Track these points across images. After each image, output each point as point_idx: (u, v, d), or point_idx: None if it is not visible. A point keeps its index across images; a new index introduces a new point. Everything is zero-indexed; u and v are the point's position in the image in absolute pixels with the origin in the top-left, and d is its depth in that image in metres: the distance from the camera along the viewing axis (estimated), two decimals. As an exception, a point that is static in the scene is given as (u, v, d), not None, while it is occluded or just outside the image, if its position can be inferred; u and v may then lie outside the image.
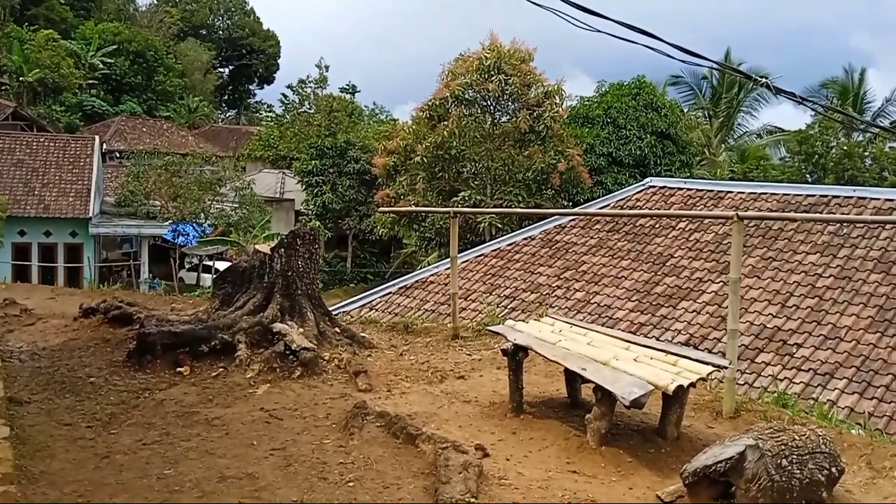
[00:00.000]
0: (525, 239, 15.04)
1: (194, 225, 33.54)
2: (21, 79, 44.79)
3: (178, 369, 6.00)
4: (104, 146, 37.68)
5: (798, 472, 3.83)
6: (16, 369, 5.97)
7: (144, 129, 47.30)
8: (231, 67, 73.94)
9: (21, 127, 39.54)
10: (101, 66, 50.74)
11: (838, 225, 12.16)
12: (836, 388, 9.37)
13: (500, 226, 23.33)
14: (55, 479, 4.05)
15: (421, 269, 18.68)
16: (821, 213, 12.69)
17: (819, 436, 4.06)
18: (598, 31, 6.06)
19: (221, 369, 6.04)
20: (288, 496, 3.98)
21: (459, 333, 7.77)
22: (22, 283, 17.72)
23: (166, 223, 32.06)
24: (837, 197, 13.13)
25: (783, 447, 3.85)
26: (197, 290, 28.40)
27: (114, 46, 51.55)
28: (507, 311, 12.48)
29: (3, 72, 47.28)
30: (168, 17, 65.11)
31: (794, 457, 3.85)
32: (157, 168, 32.78)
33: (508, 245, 15.02)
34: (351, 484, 4.15)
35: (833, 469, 4.00)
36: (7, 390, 5.16)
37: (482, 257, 14.83)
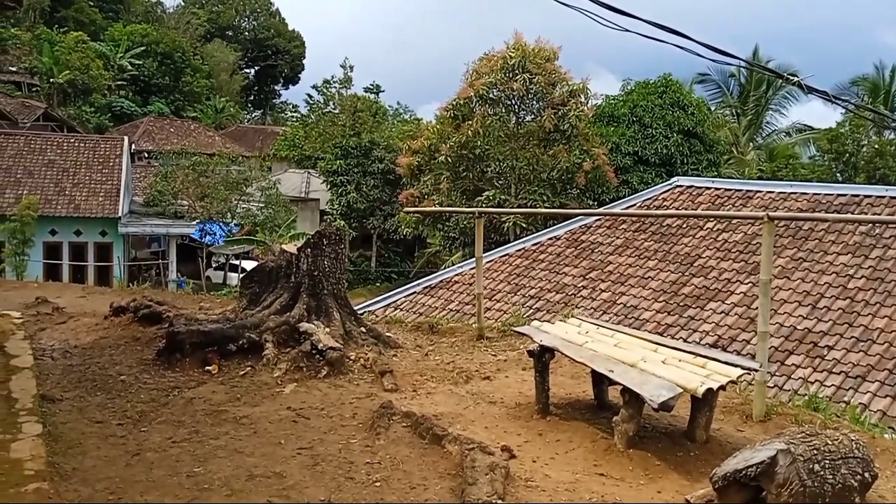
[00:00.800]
0: (550, 239, 14.98)
1: (221, 224, 33.89)
2: (51, 80, 45.57)
3: (207, 368, 6.06)
4: (133, 146, 38.19)
5: (830, 476, 3.77)
6: (48, 367, 6.06)
7: (172, 130, 47.88)
8: (257, 68, 74.59)
9: (52, 128, 40.26)
10: (129, 67, 51.48)
11: (870, 225, 11.96)
12: (868, 391, 9.22)
13: (524, 225, 23.26)
14: (87, 476, 4.11)
15: (445, 268, 18.69)
16: (852, 212, 12.49)
17: (852, 440, 3.98)
18: (627, 30, 6.01)
19: (249, 368, 6.09)
20: (315, 495, 4.00)
21: (484, 334, 7.76)
22: (53, 281, 18.00)
23: (194, 223, 32.42)
24: (869, 196, 12.90)
25: (815, 451, 3.79)
26: (224, 288, 28.70)
27: (142, 48, 52.28)
28: (531, 311, 12.45)
29: (33, 73, 48.15)
30: (195, 19, 65.88)
31: (827, 461, 3.78)
32: (185, 168, 33.18)
33: (533, 245, 14.97)
34: (378, 484, 4.16)
35: (866, 474, 3.92)
36: (40, 388, 5.25)
37: (507, 257, 14.80)
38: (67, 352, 6.59)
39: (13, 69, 49.92)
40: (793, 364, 9.99)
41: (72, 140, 32.70)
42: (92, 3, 58.53)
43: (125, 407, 5.26)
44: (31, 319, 7.74)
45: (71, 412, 5.11)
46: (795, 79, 8.66)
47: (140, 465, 4.33)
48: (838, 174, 30.64)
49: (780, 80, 29.38)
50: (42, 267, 26.45)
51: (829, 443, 3.87)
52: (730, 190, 14.69)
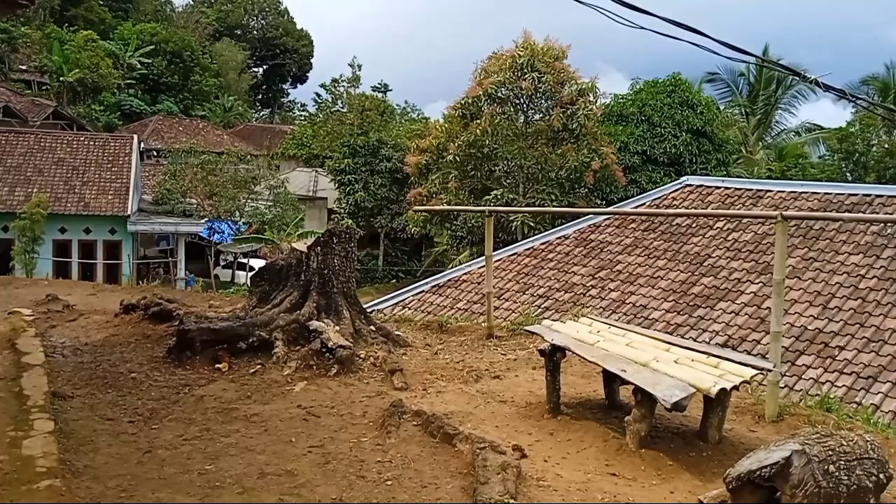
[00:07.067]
0: (559, 238, 14.93)
1: (229, 223, 33.97)
2: (61, 79, 45.78)
3: (217, 366, 6.06)
4: (142, 145, 38.28)
5: (845, 478, 3.73)
6: (59, 364, 6.08)
7: (181, 128, 48.02)
8: (265, 67, 74.76)
9: (61, 126, 40.42)
10: (138, 66, 51.68)
11: (882, 225, 11.88)
12: (879, 392, 9.16)
13: (533, 224, 23.22)
14: (99, 473, 4.11)
15: (452, 267, 18.66)
16: (864, 212, 12.41)
17: (867, 441, 3.95)
18: (642, 27, 5.98)
19: (259, 366, 6.09)
20: (327, 494, 3.99)
21: (494, 333, 7.74)
22: (63, 278, 18.05)
23: (202, 221, 32.50)
24: (881, 196, 12.81)
25: (830, 452, 3.76)
26: (232, 286, 28.79)
27: (151, 47, 52.46)
28: (540, 310, 12.41)
29: (43, 72, 48.40)
30: (204, 18, 66.10)
31: (842, 462, 3.75)
32: (194, 166, 33.25)
33: (542, 244, 14.93)
34: (389, 482, 4.15)
35: (881, 475, 3.89)
36: (51, 385, 5.25)
37: (515, 256, 14.76)
38: (78, 349, 6.61)
39: (23, 68, 50.23)
40: (803, 364, 9.93)
41: (81, 138, 32.80)
42: (102, 2, 58.81)
43: (136, 404, 5.27)
44: (41, 317, 7.76)
45: (82, 409, 5.12)
46: (812, 77, 8.58)
47: (151, 462, 4.33)
48: (848, 174, 30.50)
49: (790, 79, 29.26)
50: (52, 264, 26.56)
51: (844, 444, 3.84)
52: (740, 189, 14.61)
